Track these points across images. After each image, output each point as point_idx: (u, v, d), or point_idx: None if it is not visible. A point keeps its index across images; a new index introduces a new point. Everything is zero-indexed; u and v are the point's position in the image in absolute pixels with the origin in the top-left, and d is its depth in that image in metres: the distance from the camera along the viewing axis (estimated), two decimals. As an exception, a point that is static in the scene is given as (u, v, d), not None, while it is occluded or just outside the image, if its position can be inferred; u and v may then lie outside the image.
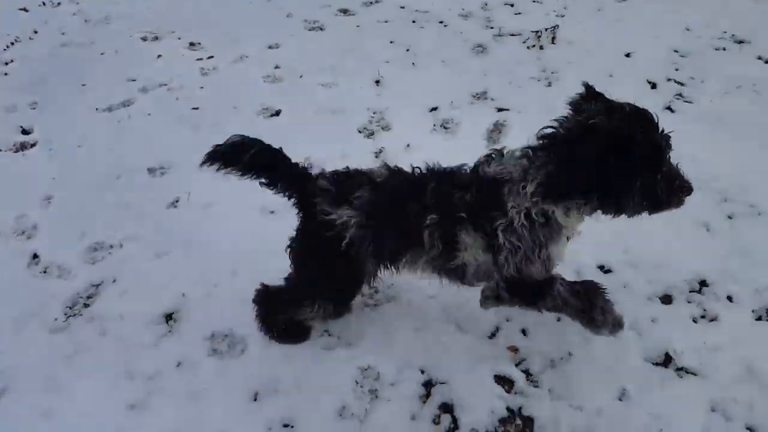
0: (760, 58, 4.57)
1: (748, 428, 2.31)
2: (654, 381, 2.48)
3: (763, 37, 4.76)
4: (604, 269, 2.93)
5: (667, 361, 2.56)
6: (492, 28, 5.06)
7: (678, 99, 4.14)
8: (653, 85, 4.29)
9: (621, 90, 4.28)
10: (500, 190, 2.00)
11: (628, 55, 4.63)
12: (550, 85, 4.33)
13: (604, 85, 4.14)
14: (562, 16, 5.17)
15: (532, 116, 4.01)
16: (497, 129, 3.94)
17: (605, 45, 4.73)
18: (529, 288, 2.16)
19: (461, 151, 3.61)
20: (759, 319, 2.70)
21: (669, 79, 4.35)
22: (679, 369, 2.52)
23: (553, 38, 4.76)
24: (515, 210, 1.99)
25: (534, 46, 4.73)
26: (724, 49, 4.70)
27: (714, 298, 2.78)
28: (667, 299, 2.79)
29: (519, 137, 3.74)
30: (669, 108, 4.05)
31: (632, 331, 2.64)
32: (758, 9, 5.20)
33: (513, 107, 4.09)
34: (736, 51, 4.67)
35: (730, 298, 2.78)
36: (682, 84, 4.29)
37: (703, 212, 3.16)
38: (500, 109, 4.09)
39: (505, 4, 5.43)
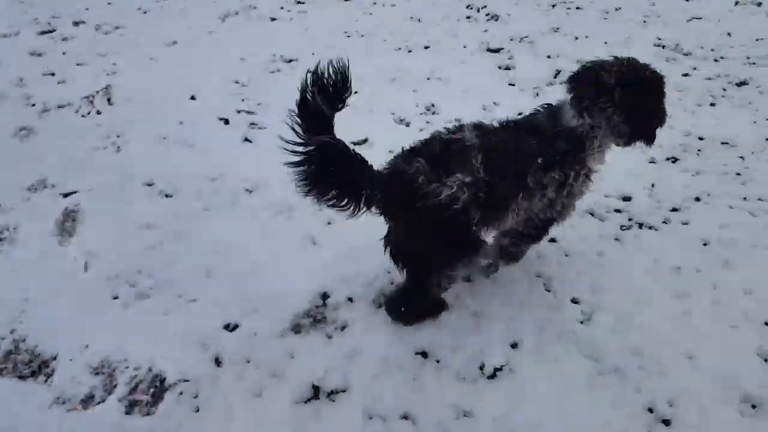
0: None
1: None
2: (308, 417, 2.35)
3: (306, 56, 5.23)
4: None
5: (315, 392, 2.46)
6: (34, 105, 4.33)
7: (253, 128, 4.20)
8: (226, 121, 4.26)
9: (199, 133, 4.22)
10: (583, 142, 2.36)
11: (193, 98, 4.52)
12: (119, 150, 3.89)
13: (178, 133, 4.04)
14: (114, 73, 4.76)
15: (109, 190, 3.52)
16: (70, 217, 3.32)
17: (168, 92, 4.52)
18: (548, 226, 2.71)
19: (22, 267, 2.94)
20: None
21: (239, 111, 4.39)
22: (330, 393, 2.46)
23: (109, 99, 4.33)
24: (593, 161, 2.45)
25: (89, 112, 4.21)
26: (279, 70, 5.03)
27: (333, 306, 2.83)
28: (297, 328, 2.72)
29: (98, 219, 3.30)
30: (247, 139, 4.06)
31: (275, 378, 2.47)
32: (304, 35, 5.77)
33: (81, 188, 3.50)
34: (289, 70, 5.05)
35: (350, 299, 2.87)
36: (251, 113, 4.39)
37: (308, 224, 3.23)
38: (66, 194, 3.47)
39: (45, 74, 4.74)
